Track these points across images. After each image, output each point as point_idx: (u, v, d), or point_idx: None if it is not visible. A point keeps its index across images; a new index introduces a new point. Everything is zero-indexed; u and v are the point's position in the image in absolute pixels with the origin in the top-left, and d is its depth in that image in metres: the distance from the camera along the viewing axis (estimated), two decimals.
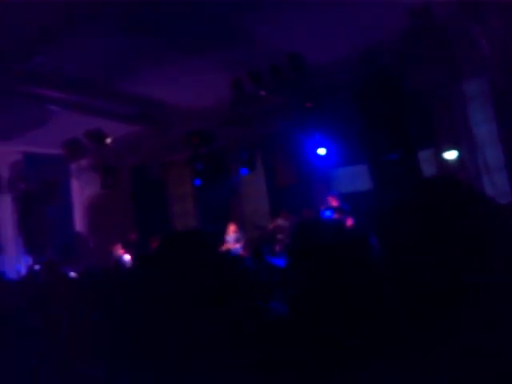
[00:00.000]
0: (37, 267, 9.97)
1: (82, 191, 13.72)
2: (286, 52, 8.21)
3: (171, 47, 8.06)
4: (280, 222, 9.72)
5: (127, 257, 10.72)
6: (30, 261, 12.36)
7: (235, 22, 7.42)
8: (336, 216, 8.43)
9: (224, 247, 9.92)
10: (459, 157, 8.57)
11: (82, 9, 6.60)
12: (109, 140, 10.98)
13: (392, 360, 1.30)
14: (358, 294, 1.56)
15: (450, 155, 8.64)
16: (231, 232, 10.21)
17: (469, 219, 1.40)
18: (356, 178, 9.76)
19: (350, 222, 8.23)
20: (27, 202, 12.56)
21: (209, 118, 10.52)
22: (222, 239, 10.06)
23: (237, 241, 10.10)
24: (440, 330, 1.27)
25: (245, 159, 10.76)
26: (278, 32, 7.72)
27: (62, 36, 7.34)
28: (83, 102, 9.68)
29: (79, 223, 13.84)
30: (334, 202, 8.96)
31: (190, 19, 7.20)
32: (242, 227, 10.44)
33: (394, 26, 7.62)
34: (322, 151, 9.90)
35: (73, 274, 9.43)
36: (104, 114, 10.30)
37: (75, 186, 13.87)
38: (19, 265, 12.42)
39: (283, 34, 7.80)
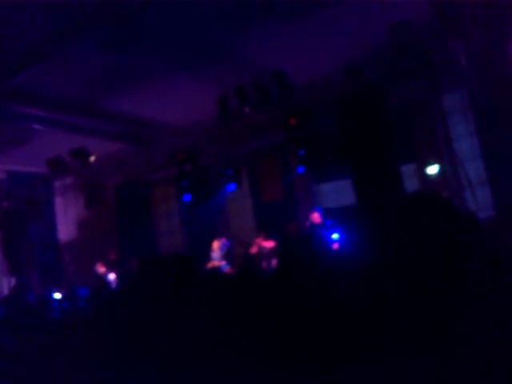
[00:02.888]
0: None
1: (65, 209, 13.59)
2: (271, 69, 8.29)
3: (156, 65, 8.08)
4: (259, 244, 9.67)
5: (111, 276, 10.63)
6: (13, 281, 12.16)
7: (221, 39, 7.48)
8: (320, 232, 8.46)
9: (209, 265, 9.88)
10: (441, 171, 8.66)
11: (67, 27, 6.61)
12: (92, 158, 10.94)
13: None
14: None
15: (432, 170, 8.74)
16: (216, 249, 10.16)
17: (448, 234, 1.43)
18: (340, 193, 9.82)
19: (333, 236, 8.28)
20: (10, 220, 12.41)
21: (194, 134, 10.54)
22: (206, 258, 10.04)
23: (222, 258, 10.06)
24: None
25: (230, 175, 10.77)
26: (263, 49, 7.81)
27: (47, 54, 7.31)
28: (67, 121, 9.63)
29: (63, 242, 13.69)
30: (317, 219, 9.00)
31: (176, 37, 7.24)
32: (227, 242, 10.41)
33: (376, 42, 7.75)
34: (306, 167, 9.96)
35: (57, 295, 9.33)
36: (89, 133, 10.24)
37: (59, 204, 13.74)
38: (1, 286, 12.23)
39: (268, 52, 7.89)
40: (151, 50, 7.56)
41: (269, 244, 9.50)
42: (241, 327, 1.90)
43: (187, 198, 11.25)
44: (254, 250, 9.72)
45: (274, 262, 8.96)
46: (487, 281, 1.35)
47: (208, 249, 10.23)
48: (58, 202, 13.72)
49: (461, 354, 1.26)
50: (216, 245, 10.17)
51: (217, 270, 9.25)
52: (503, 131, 7.60)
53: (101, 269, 10.98)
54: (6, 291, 11.61)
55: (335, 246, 8.09)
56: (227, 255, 10.12)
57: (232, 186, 10.89)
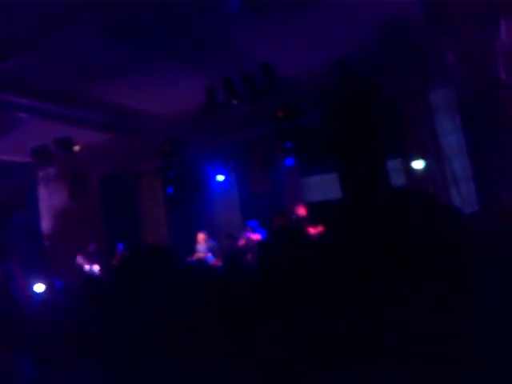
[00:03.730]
0: None
1: (49, 199, 13.44)
2: (259, 61, 8.27)
3: (143, 55, 8.00)
4: (249, 238, 9.67)
5: (96, 267, 10.58)
6: None
7: (209, 30, 7.43)
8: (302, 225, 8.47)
9: (195, 256, 9.86)
10: (427, 166, 8.72)
11: (55, 15, 6.52)
12: (77, 148, 10.84)
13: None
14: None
15: (418, 165, 8.80)
16: (201, 241, 10.14)
17: (433, 230, 1.43)
18: (327, 187, 9.84)
19: (318, 230, 8.29)
20: None
21: (181, 125, 10.47)
22: (191, 250, 10.02)
23: (208, 250, 10.04)
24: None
25: (217, 167, 10.75)
26: (251, 41, 7.77)
27: (32, 42, 7.22)
28: (52, 110, 9.51)
29: (47, 231, 13.56)
30: (302, 212, 9.02)
31: (164, 27, 7.18)
32: (214, 236, 10.38)
33: (365, 37, 7.76)
34: (292, 160, 9.98)
35: (40, 286, 9.25)
36: (74, 122, 10.13)
37: (43, 194, 13.59)
38: None
39: (257, 44, 7.86)
40: (139, 40, 7.48)
41: (255, 237, 9.51)
42: (225, 320, 1.90)
43: (170, 190, 11.21)
44: (241, 242, 9.73)
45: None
46: (474, 275, 1.36)
47: (193, 241, 10.21)
48: (42, 191, 13.57)
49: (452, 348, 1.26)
50: (201, 237, 10.15)
51: (201, 261, 9.25)
52: (488, 127, 7.67)
53: (81, 260, 10.91)
54: None
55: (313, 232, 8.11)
56: (212, 249, 10.11)
57: (219, 178, 10.87)
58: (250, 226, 9.60)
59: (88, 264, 10.75)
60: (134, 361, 1.81)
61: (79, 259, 10.94)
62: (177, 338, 1.81)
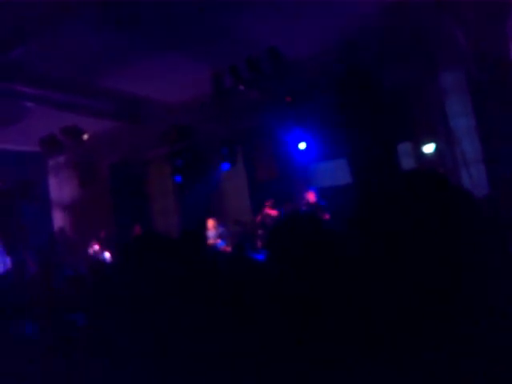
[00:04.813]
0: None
1: (60, 189, 13.53)
2: (265, 46, 8.20)
3: (149, 43, 7.98)
4: (262, 217, 9.72)
5: (107, 254, 10.66)
6: (8, 261, 12.17)
7: (214, 17, 7.37)
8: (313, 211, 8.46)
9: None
10: (437, 150, 8.65)
11: (59, 4, 6.49)
12: (85, 136, 10.86)
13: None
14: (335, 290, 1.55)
15: (428, 148, 8.72)
16: (211, 227, 10.17)
17: (446, 212, 1.40)
18: (336, 172, 9.80)
19: (326, 217, 8.29)
20: (4, 200, 12.37)
21: (188, 113, 10.45)
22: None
23: (218, 236, 10.07)
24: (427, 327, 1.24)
25: (225, 154, 10.72)
26: (257, 27, 7.71)
27: (38, 31, 7.21)
28: (60, 98, 9.53)
29: (58, 221, 13.66)
30: (312, 198, 9.00)
31: (169, 14, 7.13)
32: (223, 223, 10.39)
33: (372, 21, 7.66)
34: (302, 146, 9.93)
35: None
36: (82, 111, 10.15)
37: (53, 183, 13.67)
38: None
39: (262, 30, 7.78)
40: (144, 28, 7.45)
41: (273, 212, 9.55)
42: (231, 313, 1.88)
43: (178, 178, 11.23)
44: (258, 218, 9.79)
45: None
46: (485, 256, 1.30)
47: (203, 227, 10.23)
48: (52, 181, 13.65)
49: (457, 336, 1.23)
50: (211, 223, 10.18)
51: (213, 247, 9.29)
52: (499, 109, 7.58)
53: (95, 247, 11.01)
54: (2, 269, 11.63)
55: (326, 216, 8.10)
56: (222, 235, 10.14)
57: (226, 166, 10.84)
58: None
59: (102, 251, 10.86)
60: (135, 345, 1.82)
61: (94, 246, 11.03)
62: (178, 329, 1.80)
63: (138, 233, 10.75)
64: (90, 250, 11.10)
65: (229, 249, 9.39)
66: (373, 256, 1.45)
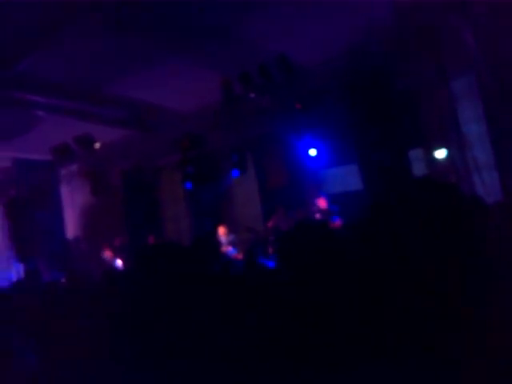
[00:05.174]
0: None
1: (72, 197, 13.64)
2: (274, 54, 8.22)
3: (160, 50, 8.04)
4: (277, 220, 9.69)
5: (119, 262, 10.70)
6: (21, 268, 12.28)
7: (224, 23, 7.42)
8: (324, 218, 8.44)
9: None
10: (449, 155, 8.59)
11: (67, 11, 6.56)
12: (98, 145, 10.94)
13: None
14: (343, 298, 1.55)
15: (440, 154, 8.66)
16: (222, 234, 10.17)
17: (456, 219, 1.40)
18: (347, 178, 9.77)
19: (338, 223, 8.25)
20: (17, 208, 12.50)
21: (199, 120, 10.50)
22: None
23: (229, 243, 10.07)
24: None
25: (235, 161, 10.75)
26: (267, 34, 7.73)
27: (48, 40, 7.28)
28: (71, 107, 9.63)
29: (70, 229, 13.76)
30: (323, 204, 8.98)
31: (179, 21, 7.18)
32: (233, 229, 10.39)
33: (382, 25, 7.65)
34: (312, 152, 9.92)
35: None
36: (93, 119, 10.24)
37: (65, 191, 13.79)
38: (11, 273, 12.35)
39: (272, 36, 7.81)
40: (155, 36, 7.52)
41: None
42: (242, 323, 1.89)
43: (189, 185, 11.27)
44: (270, 224, 9.77)
45: None
46: (495, 263, 1.35)
47: (215, 233, 10.25)
48: (65, 189, 13.77)
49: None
50: (222, 230, 10.18)
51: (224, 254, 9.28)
52: (510, 115, 7.53)
53: (108, 255, 11.05)
54: (15, 277, 11.73)
55: (337, 224, 8.08)
56: (233, 242, 10.14)
57: (236, 172, 10.86)
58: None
59: (114, 258, 10.91)
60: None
61: (106, 253, 11.08)
62: (185, 334, 1.82)
63: (151, 242, 10.82)
64: (103, 258, 11.15)
65: (240, 256, 9.38)
66: (382, 261, 1.47)
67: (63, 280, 7.95)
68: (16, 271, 12.37)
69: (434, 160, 8.69)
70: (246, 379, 1.59)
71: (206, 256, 3.56)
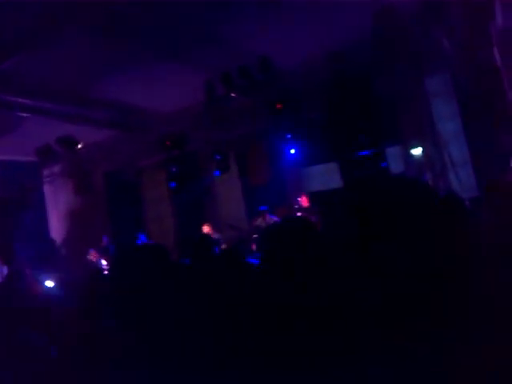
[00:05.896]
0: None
1: (55, 197, 13.61)
2: (255, 55, 8.34)
3: (142, 51, 8.09)
4: (259, 222, 9.85)
5: (103, 262, 10.73)
6: (5, 271, 12.19)
7: (206, 25, 7.50)
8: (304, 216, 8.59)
9: None
10: (425, 152, 8.81)
11: (53, 14, 6.59)
12: (80, 145, 10.97)
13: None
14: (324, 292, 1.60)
15: (416, 151, 8.89)
16: (207, 233, 10.26)
17: (428, 215, 1.43)
18: (327, 176, 9.95)
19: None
20: (0, 209, 12.42)
21: (182, 120, 10.58)
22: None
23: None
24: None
25: (218, 160, 10.86)
26: (248, 35, 7.84)
27: (32, 42, 7.28)
28: (54, 109, 9.63)
29: (54, 229, 13.73)
30: (305, 202, 9.14)
31: (162, 23, 7.25)
32: (217, 228, 10.50)
33: (360, 27, 7.80)
34: (293, 150, 10.09)
35: (49, 283, 9.40)
36: (77, 120, 10.24)
37: (49, 192, 13.75)
38: None
39: (253, 37, 7.92)
40: (137, 38, 7.56)
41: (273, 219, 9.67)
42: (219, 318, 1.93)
43: (173, 184, 11.36)
44: (255, 222, 9.94)
45: None
46: (472, 258, 1.37)
47: (198, 233, 10.33)
48: (48, 189, 13.73)
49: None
50: (206, 229, 10.28)
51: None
52: (483, 112, 7.75)
53: (93, 256, 11.07)
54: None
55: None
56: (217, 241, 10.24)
57: (219, 171, 11.00)
58: (261, 209, 9.72)
59: (96, 258, 10.92)
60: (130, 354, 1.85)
61: (91, 254, 11.09)
62: (171, 335, 1.86)
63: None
64: (88, 258, 11.16)
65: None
66: (361, 257, 1.55)
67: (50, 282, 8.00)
68: (0, 273, 12.29)
69: (411, 157, 8.91)
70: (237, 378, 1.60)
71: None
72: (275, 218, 9.52)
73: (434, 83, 8.88)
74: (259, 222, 9.79)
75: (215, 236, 10.27)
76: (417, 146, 8.83)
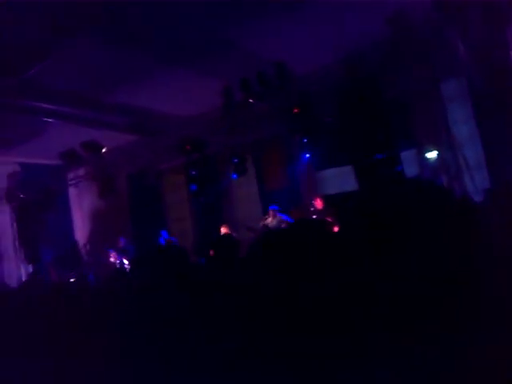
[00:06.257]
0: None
1: (80, 200, 13.94)
2: (272, 61, 8.49)
3: (162, 58, 8.31)
4: (268, 221, 10.00)
5: (125, 261, 11.01)
6: (30, 269, 12.55)
7: (223, 32, 7.66)
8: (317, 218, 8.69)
9: None
10: (440, 156, 8.83)
11: (72, 22, 6.80)
12: (104, 150, 11.24)
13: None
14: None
15: (432, 155, 8.91)
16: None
17: (445, 219, 1.48)
18: (342, 179, 10.02)
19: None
20: (26, 211, 12.76)
21: (200, 125, 10.78)
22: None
23: None
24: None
25: (236, 164, 11.03)
26: (264, 41, 7.99)
27: (55, 49, 7.45)
28: (76, 114, 9.89)
29: (78, 231, 14.06)
30: (320, 205, 9.25)
31: (179, 31, 7.41)
32: (234, 229, 10.66)
33: (375, 32, 7.88)
34: (309, 154, 10.22)
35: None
36: (98, 125, 10.50)
37: (73, 195, 14.09)
38: (20, 274, 12.64)
39: (269, 44, 8.08)
40: (157, 44, 7.77)
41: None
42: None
43: (193, 187, 11.57)
44: (261, 223, 10.06)
45: None
46: (486, 261, 1.36)
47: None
48: (72, 192, 14.07)
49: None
50: (224, 230, 10.45)
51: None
52: (499, 115, 7.74)
53: (114, 256, 11.36)
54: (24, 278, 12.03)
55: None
56: None
57: (237, 175, 11.17)
58: (271, 209, 9.89)
59: (118, 259, 11.18)
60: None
61: (111, 255, 11.38)
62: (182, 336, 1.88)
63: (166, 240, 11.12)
64: (109, 259, 11.44)
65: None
66: (377, 261, 1.51)
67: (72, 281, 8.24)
68: (26, 273, 12.64)
69: (426, 160, 8.94)
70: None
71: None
72: (285, 218, 9.66)
73: (449, 86, 8.90)
74: (269, 220, 9.93)
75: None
76: (432, 150, 8.86)
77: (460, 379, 1.21)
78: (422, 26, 8.05)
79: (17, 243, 12.92)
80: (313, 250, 1.79)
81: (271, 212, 10.00)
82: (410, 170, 8.94)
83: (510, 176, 7.81)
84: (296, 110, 9.42)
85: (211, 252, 3.66)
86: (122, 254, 11.18)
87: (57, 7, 6.30)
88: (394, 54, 8.30)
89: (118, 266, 10.98)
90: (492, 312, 1.26)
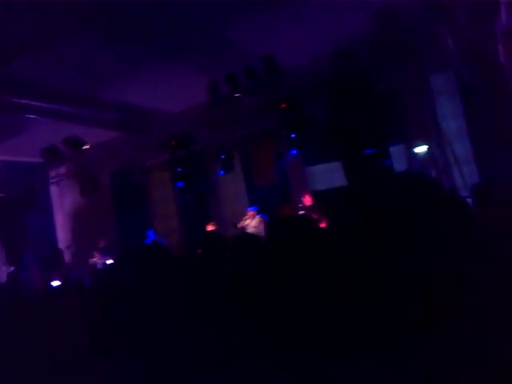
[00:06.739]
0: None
1: (61, 198, 13.69)
2: (260, 54, 8.38)
3: (147, 53, 8.16)
4: (246, 222, 9.89)
5: (109, 262, 10.80)
6: (10, 269, 12.27)
7: (211, 26, 7.56)
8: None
9: None
10: (429, 150, 8.83)
11: (59, 17, 6.64)
12: (86, 146, 11.04)
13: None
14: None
15: (421, 149, 8.90)
16: None
17: (436, 211, 1.46)
18: (331, 175, 9.98)
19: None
20: (7, 210, 12.50)
21: (186, 121, 10.64)
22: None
23: None
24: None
25: (223, 160, 10.91)
26: (252, 36, 7.89)
27: (39, 44, 7.30)
28: (61, 110, 9.68)
29: (60, 230, 13.81)
30: (308, 201, 9.17)
31: (166, 26, 7.31)
32: (222, 227, 10.55)
33: (363, 26, 7.84)
34: (297, 150, 10.13)
35: (55, 283, 9.47)
36: (83, 121, 10.30)
37: (55, 192, 13.83)
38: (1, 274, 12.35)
39: (257, 38, 7.97)
40: (143, 40, 7.62)
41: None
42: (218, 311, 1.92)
43: (179, 184, 11.42)
44: (240, 224, 9.96)
45: None
46: (474, 255, 1.36)
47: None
48: (54, 190, 13.81)
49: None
50: (210, 228, 10.33)
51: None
52: (487, 110, 7.75)
53: (97, 256, 11.16)
54: (3, 279, 11.74)
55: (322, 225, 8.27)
56: None
57: (224, 171, 11.06)
58: (251, 210, 9.81)
59: (101, 259, 10.98)
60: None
61: (94, 255, 11.18)
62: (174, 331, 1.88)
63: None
64: (93, 259, 11.23)
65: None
66: (365, 254, 1.51)
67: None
68: (6, 272, 12.36)
69: (415, 155, 8.93)
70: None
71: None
72: (266, 218, 9.57)
73: (438, 81, 8.90)
74: (247, 222, 9.80)
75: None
76: (421, 145, 8.85)
77: (459, 379, 1.21)
78: (411, 21, 8.03)
79: None
80: (293, 248, 1.78)
81: (251, 213, 9.90)
82: (399, 164, 8.91)
83: (498, 170, 7.81)
84: (283, 105, 9.34)
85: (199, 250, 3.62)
86: (105, 253, 10.98)
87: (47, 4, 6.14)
88: (382, 48, 8.26)
89: (101, 266, 10.77)
90: (481, 307, 1.25)
